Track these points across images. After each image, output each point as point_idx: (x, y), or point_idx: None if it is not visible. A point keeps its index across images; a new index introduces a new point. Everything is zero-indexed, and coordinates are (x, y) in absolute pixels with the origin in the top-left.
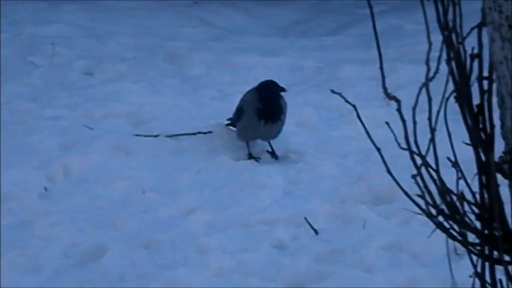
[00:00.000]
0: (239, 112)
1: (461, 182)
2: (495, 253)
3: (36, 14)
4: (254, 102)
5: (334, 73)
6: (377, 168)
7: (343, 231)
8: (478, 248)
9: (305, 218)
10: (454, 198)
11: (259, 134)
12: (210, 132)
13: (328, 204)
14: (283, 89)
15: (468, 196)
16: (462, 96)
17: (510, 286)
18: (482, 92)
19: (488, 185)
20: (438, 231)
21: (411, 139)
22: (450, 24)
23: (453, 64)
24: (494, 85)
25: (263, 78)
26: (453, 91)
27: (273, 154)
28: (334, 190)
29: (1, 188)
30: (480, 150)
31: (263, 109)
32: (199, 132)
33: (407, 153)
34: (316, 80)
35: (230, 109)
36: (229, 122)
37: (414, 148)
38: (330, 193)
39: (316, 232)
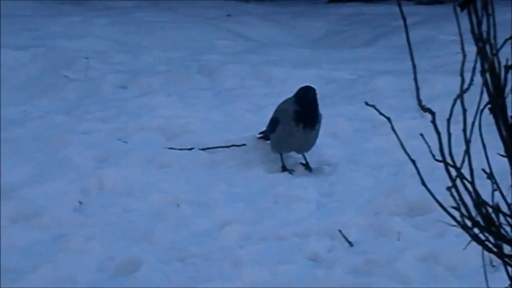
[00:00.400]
0: (274, 122)
1: (496, 193)
2: None
3: (69, 29)
4: (293, 106)
5: (367, 85)
6: (411, 179)
7: (378, 243)
8: None
9: (340, 230)
10: (490, 210)
11: (295, 143)
12: (243, 145)
13: (362, 216)
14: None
15: (504, 208)
16: (497, 107)
17: None
18: None
19: None
20: (473, 243)
21: (446, 150)
22: (484, 35)
23: (488, 75)
24: None
25: (296, 90)
26: (487, 103)
27: (307, 166)
28: (368, 202)
29: (35, 202)
30: None
31: (302, 111)
32: (233, 145)
33: (441, 165)
34: (349, 92)
35: (263, 121)
36: (261, 135)
37: (449, 160)
38: (364, 205)
39: (350, 244)
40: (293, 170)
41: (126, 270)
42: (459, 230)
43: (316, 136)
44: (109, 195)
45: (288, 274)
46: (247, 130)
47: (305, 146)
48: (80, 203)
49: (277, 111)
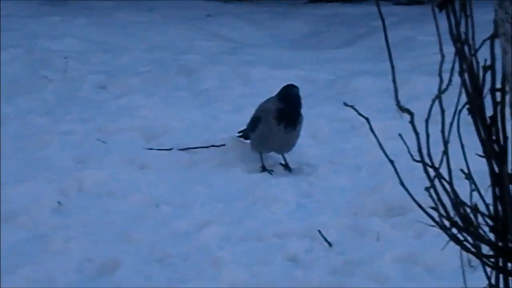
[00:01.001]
0: (255, 121)
1: (475, 194)
2: (509, 264)
3: (48, 28)
4: (275, 104)
5: (346, 86)
6: (390, 180)
7: (357, 244)
8: (492, 260)
9: (319, 231)
10: (468, 210)
11: (275, 142)
12: (223, 145)
13: (342, 216)
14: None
15: (482, 208)
16: (475, 107)
17: None
18: (495, 103)
19: (502, 197)
20: (452, 243)
21: (424, 151)
22: (463, 36)
23: (466, 76)
24: (507, 97)
25: (275, 91)
26: (466, 103)
27: (286, 166)
28: (347, 202)
29: (14, 202)
30: (493, 161)
31: (284, 110)
32: (212, 145)
33: (420, 165)
34: (328, 93)
35: (242, 121)
36: (240, 134)
37: (427, 160)
38: (343, 205)
39: (330, 244)
40: (272, 171)
41: (105, 271)
42: (438, 230)
43: (297, 136)
44: (89, 196)
45: (267, 275)
46: (226, 130)
47: (286, 146)
48: (59, 203)
49: (258, 110)
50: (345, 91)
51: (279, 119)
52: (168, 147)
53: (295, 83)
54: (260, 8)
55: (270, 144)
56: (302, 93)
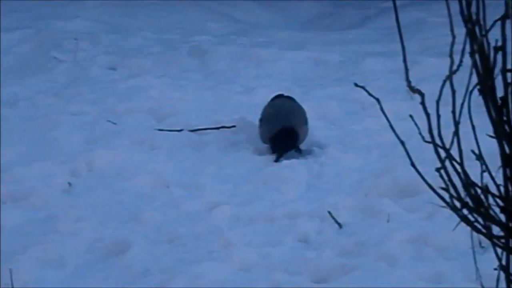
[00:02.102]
0: (260, 122)
1: (486, 175)
2: None
3: (58, 10)
4: (267, 134)
5: (357, 67)
6: (401, 161)
7: (367, 225)
8: (503, 241)
9: (329, 212)
10: (479, 191)
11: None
12: (233, 126)
13: (352, 197)
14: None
15: (493, 189)
16: (486, 88)
17: None
18: (506, 84)
19: None
20: (463, 224)
21: (435, 132)
22: (474, 17)
23: (477, 56)
24: None
25: (287, 72)
26: (476, 84)
27: (296, 148)
28: (358, 183)
29: (24, 183)
30: (504, 142)
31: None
32: (223, 127)
33: (430, 146)
34: (339, 74)
35: (253, 103)
36: None
37: (438, 141)
38: (354, 186)
39: (340, 225)
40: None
41: (115, 252)
42: (448, 211)
43: (307, 132)
44: (99, 177)
45: (278, 256)
46: (237, 111)
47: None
48: (70, 184)
49: (263, 111)
50: (355, 72)
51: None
52: (179, 128)
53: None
54: None
55: None
56: (312, 75)
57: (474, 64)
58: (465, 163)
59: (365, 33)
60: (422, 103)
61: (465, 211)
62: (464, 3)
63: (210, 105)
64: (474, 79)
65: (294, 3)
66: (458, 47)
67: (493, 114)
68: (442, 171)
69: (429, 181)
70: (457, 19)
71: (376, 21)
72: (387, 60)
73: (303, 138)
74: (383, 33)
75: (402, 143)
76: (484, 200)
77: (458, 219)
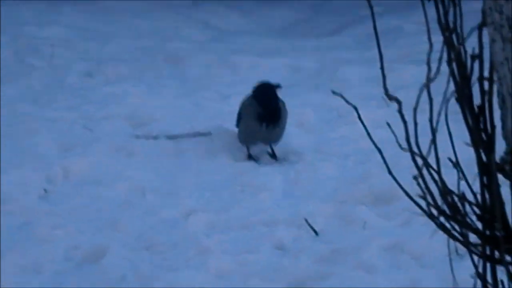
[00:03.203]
0: (239, 117)
1: (462, 182)
2: (497, 253)
3: (35, 16)
4: (254, 107)
5: (333, 74)
6: (377, 169)
7: (344, 232)
8: (480, 248)
9: (306, 219)
10: (456, 198)
11: (260, 138)
12: (209, 133)
13: (328, 205)
14: (278, 86)
15: (469, 197)
16: (463, 96)
17: (511, 286)
18: (483, 92)
19: (489, 186)
20: (439, 232)
21: (412, 140)
22: (451, 25)
23: (454, 65)
24: (495, 86)
25: (263, 79)
26: (454, 92)
27: (273, 155)
28: (334, 191)
29: (1, 189)
30: (481, 150)
31: (264, 113)
32: (199, 134)
33: (406, 154)
34: (315, 81)
35: (229, 110)
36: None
37: (415, 149)
38: (330, 194)
39: (316, 233)
40: (259, 160)
41: (92, 258)
42: (424, 219)
43: (282, 130)
44: (75, 184)
45: (254, 263)
46: (213, 118)
47: (271, 140)
48: (46, 191)
49: (241, 106)
50: (331, 80)
51: (260, 119)
52: (155, 135)
53: (267, 80)
54: None
55: (255, 139)
56: (288, 82)
57: (451, 72)
58: (442, 171)
59: (341, 40)
60: (400, 111)
61: (442, 219)
62: (441, 11)
63: (186, 112)
64: (451, 87)
65: (270, 10)
66: (435, 55)
67: (470, 122)
68: (419, 179)
69: (405, 188)
70: (434, 26)
71: (352, 28)
72: (363, 68)
73: (281, 130)
74: (359, 40)
75: (379, 151)
76: (461, 207)
77: (434, 227)
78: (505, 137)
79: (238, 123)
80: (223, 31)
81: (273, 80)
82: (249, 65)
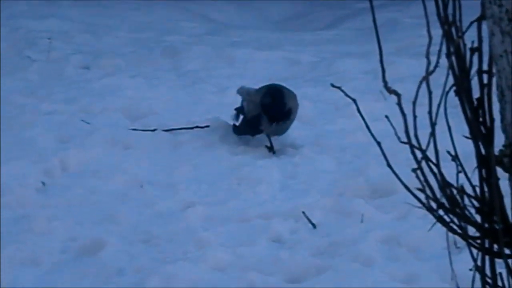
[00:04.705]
0: (244, 113)
1: (461, 175)
2: (495, 246)
3: (32, 9)
4: (263, 112)
5: (331, 67)
6: (375, 162)
7: (341, 225)
8: (478, 241)
9: (303, 212)
10: (454, 191)
11: (268, 133)
12: (207, 126)
13: (326, 198)
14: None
15: (468, 190)
16: (462, 89)
17: (510, 279)
18: (482, 85)
19: (488, 179)
20: (437, 225)
21: (411, 132)
22: (450, 18)
23: (453, 58)
24: (494, 79)
25: (260, 72)
26: (453, 85)
27: (270, 148)
28: (332, 184)
29: None
30: (480, 143)
31: (274, 115)
32: (197, 127)
33: (404, 146)
34: (313, 74)
35: (227, 102)
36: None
37: (414, 142)
38: (328, 187)
39: (314, 226)
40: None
41: (89, 251)
42: (422, 212)
43: (290, 124)
44: (72, 176)
45: (252, 256)
46: (210, 111)
47: (278, 135)
48: (43, 183)
49: (248, 109)
50: (329, 73)
51: (271, 120)
52: (152, 128)
53: (273, 85)
54: None
55: (260, 134)
56: (286, 75)
57: (451, 65)
58: (441, 164)
59: (338, 33)
60: (399, 103)
61: (440, 212)
62: (440, 4)
63: (183, 105)
64: (450, 80)
65: (267, 3)
66: (433, 48)
67: (469, 115)
68: (418, 172)
69: (404, 181)
70: (432, 19)
71: (350, 21)
72: (361, 61)
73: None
74: (356, 34)
75: (379, 143)
76: (459, 200)
77: (431, 220)
78: (504, 130)
79: (238, 117)
80: (220, 24)
81: (271, 73)
82: (246, 58)
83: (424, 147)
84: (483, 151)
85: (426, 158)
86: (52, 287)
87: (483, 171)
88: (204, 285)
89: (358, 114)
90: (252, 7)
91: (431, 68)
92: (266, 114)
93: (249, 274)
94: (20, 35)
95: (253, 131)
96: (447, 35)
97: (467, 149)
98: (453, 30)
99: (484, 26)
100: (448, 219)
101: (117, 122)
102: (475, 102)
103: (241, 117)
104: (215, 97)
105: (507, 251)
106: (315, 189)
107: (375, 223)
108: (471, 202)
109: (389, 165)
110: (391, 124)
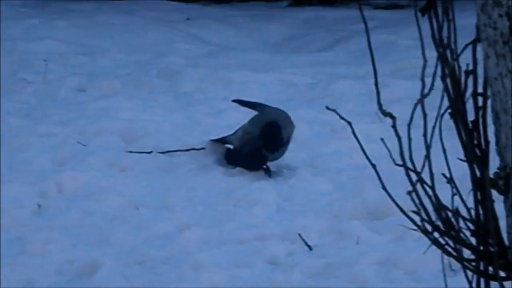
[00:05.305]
0: (256, 152)
1: (456, 198)
2: (490, 269)
3: (28, 31)
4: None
5: (326, 89)
6: (371, 184)
7: (337, 247)
8: (473, 264)
9: (299, 234)
10: (449, 214)
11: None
12: (203, 148)
13: (322, 219)
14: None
15: (463, 212)
16: (457, 112)
17: None
18: (477, 108)
19: (483, 201)
20: (432, 247)
21: (406, 155)
22: (445, 40)
23: (448, 80)
24: (489, 101)
25: (257, 94)
26: (448, 107)
27: (266, 170)
28: (328, 205)
29: None
30: (475, 166)
31: (274, 147)
32: (193, 149)
33: (399, 169)
34: (308, 96)
35: (223, 125)
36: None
37: (409, 165)
38: (324, 208)
39: (310, 248)
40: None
41: (85, 274)
42: (417, 234)
43: (286, 149)
44: (68, 198)
45: (248, 278)
46: (206, 133)
47: (275, 159)
48: (39, 206)
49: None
50: (325, 95)
51: (271, 151)
52: (148, 150)
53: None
54: (240, 11)
55: None
56: (282, 97)
57: (446, 88)
58: (436, 186)
59: (334, 55)
60: (394, 126)
61: (436, 234)
62: (435, 26)
63: (179, 127)
64: (445, 102)
65: (263, 25)
66: (428, 70)
67: (464, 137)
68: (414, 194)
69: (399, 204)
70: (427, 41)
71: (346, 43)
72: (357, 82)
73: (288, 135)
74: (352, 55)
75: (374, 166)
76: (455, 223)
77: (427, 242)
78: (499, 152)
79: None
80: (216, 46)
81: (267, 95)
82: (242, 80)
83: (419, 169)
84: (478, 173)
85: (421, 180)
86: None
87: (478, 193)
88: None
89: (354, 136)
90: (248, 29)
91: (426, 90)
92: (265, 147)
93: None
94: (15, 57)
95: (252, 167)
96: (442, 58)
97: (462, 171)
98: (448, 52)
99: (479, 49)
100: (443, 242)
101: (113, 144)
102: (470, 125)
103: (231, 147)
104: (211, 119)
105: (502, 274)
106: (311, 210)
107: (371, 245)
108: (466, 224)
109: (384, 188)
110: (386, 147)
